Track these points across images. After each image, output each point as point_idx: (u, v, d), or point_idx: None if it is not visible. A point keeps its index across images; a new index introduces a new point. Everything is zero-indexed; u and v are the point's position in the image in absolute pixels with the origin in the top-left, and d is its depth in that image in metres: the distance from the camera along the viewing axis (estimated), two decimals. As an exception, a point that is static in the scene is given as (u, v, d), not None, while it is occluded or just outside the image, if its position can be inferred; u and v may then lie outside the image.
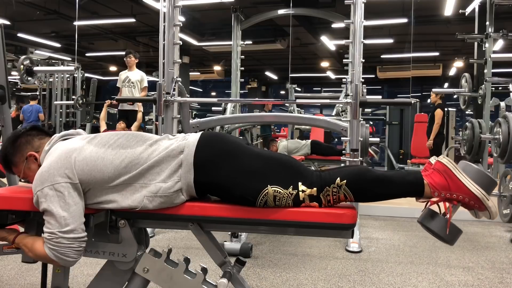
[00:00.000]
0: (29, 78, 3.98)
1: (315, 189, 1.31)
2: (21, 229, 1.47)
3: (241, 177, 1.31)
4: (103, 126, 6.10)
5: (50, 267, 1.52)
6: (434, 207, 1.36)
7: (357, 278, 2.45)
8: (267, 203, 1.31)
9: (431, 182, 1.32)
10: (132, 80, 5.62)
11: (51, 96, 7.68)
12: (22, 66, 3.88)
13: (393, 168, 7.30)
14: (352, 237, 1.56)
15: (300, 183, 1.31)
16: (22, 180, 1.51)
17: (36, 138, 1.48)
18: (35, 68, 3.92)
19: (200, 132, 1.42)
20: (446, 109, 7.22)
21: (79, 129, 1.63)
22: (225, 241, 2.81)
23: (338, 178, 1.31)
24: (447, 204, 1.32)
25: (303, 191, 1.31)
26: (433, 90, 6.74)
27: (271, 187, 1.30)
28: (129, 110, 5.85)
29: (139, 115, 5.66)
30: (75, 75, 7.60)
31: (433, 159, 1.38)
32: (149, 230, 2.69)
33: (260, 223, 1.35)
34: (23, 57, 4.07)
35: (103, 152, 1.35)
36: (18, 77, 8.82)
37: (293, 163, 1.38)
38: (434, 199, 1.33)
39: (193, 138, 1.38)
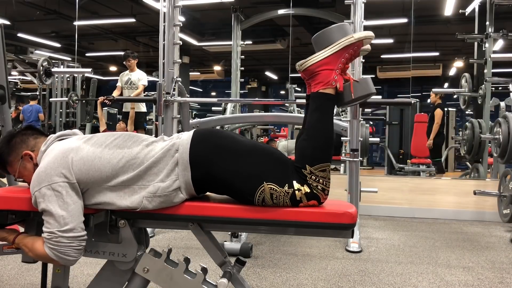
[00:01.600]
0: (47, 79, 4.16)
1: (305, 185, 1.31)
2: (21, 229, 1.47)
3: (237, 171, 1.32)
4: (102, 125, 6.09)
5: (50, 267, 1.52)
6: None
7: (357, 278, 2.45)
8: (265, 201, 1.31)
9: (321, 86, 1.35)
10: (134, 82, 5.61)
11: (51, 96, 7.68)
12: (41, 68, 4.07)
13: (393, 168, 7.30)
14: (352, 237, 1.56)
15: (294, 182, 1.31)
16: (18, 180, 1.51)
17: (31, 137, 1.48)
18: (54, 69, 4.09)
19: (193, 130, 1.43)
20: (446, 109, 7.21)
21: (77, 129, 1.62)
22: (225, 241, 2.81)
23: (303, 169, 1.31)
24: (344, 74, 1.37)
25: (298, 189, 1.31)
26: (433, 90, 6.75)
27: (267, 184, 1.30)
28: (136, 112, 5.83)
29: (132, 112, 5.62)
30: (75, 75, 7.60)
31: (297, 68, 1.40)
32: (149, 230, 2.69)
33: (260, 223, 1.35)
34: (42, 58, 4.31)
35: (100, 152, 1.35)
36: (19, 77, 8.81)
37: (284, 159, 1.38)
38: (338, 85, 1.35)
39: (187, 135, 1.39)
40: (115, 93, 5.61)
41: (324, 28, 1.37)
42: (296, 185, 1.31)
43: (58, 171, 1.31)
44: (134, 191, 1.33)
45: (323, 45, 1.36)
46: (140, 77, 5.61)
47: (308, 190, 1.31)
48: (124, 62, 5.70)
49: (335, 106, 1.42)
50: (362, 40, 1.35)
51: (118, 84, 5.74)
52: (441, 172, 6.80)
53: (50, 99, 7.58)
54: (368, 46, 1.40)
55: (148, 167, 1.33)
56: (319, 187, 1.31)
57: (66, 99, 7.22)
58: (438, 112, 6.69)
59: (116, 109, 8.89)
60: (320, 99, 1.36)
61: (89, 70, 5.06)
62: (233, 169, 1.32)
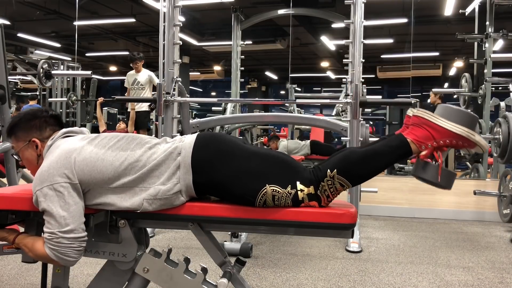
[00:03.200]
0: (47, 81, 4.18)
1: (312, 187, 1.31)
2: (21, 229, 1.47)
3: (239, 176, 1.31)
4: (102, 126, 6.09)
5: (50, 267, 1.52)
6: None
7: (357, 278, 2.45)
8: (267, 203, 1.31)
9: (414, 138, 1.32)
10: (142, 83, 5.60)
11: (51, 96, 7.68)
12: (41, 70, 4.07)
13: (393, 168, 7.30)
14: (352, 237, 1.56)
15: (298, 182, 1.31)
16: (14, 156, 1.51)
17: (49, 127, 1.49)
18: (53, 72, 4.11)
19: (196, 133, 1.43)
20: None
21: (85, 128, 1.63)
22: (225, 241, 2.81)
23: (328, 170, 1.31)
24: (438, 152, 1.33)
25: (301, 190, 1.31)
26: (433, 90, 6.74)
27: (270, 187, 1.30)
28: (137, 112, 5.81)
29: (132, 113, 5.61)
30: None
31: (409, 112, 1.38)
32: (149, 230, 2.69)
33: (260, 223, 1.35)
34: (42, 60, 4.29)
35: (103, 154, 1.35)
36: (19, 77, 8.82)
37: (289, 161, 1.38)
38: (424, 153, 1.32)
39: (190, 139, 1.38)
40: (127, 95, 5.65)
41: (462, 109, 1.35)
42: (299, 185, 1.31)
43: (60, 172, 1.31)
44: (135, 192, 1.34)
45: (448, 116, 1.32)
46: (148, 79, 5.61)
47: (313, 192, 1.31)
48: (131, 64, 5.71)
49: (394, 160, 1.38)
50: (475, 144, 1.31)
51: (126, 85, 5.74)
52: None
53: (49, 99, 7.58)
54: (472, 150, 1.37)
55: (150, 170, 1.33)
56: (326, 192, 1.31)
57: (65, 99, 7.22)
58: None
59: (116, 109, 8.89)
60: (401, 144, 1.33)
61: (89, 72, 5.07)
62: (235, 173, 1.32)
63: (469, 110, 1.37)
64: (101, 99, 6.15)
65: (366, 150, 1.35)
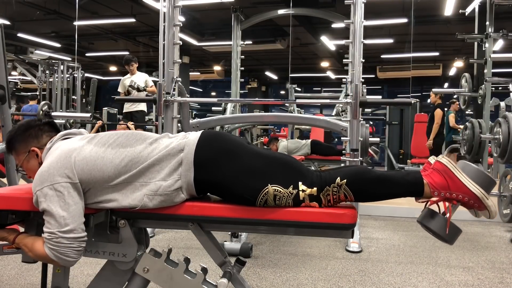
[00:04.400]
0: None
1: (315, 188, 1.31)
2: (21, 229, 1.47)
3: (241, 175, 1.31)
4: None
5: (50, 267, 1.52)
6: (434, 207, 1.37)
7: (357, 278, 2.45)
8: (267, 202, 1.31)
9: (431, 182, 1.32)
10: (139, 84, 5.61)
11: (51, 96, 7.68)
12: (41, 111, 4.31)
13: (393, 168, 7.30)
14: (352, 237, 1.56)
15: (300, 183, 1.31)
16: (19, 170, 1.52)
17: (45, 134, 1.49)
18: (53, 114, 4.34)
19: (201, 131, 1.43)
20: (445, 109, 7.22)
21: (83, 129, 1.63)
22: (225, 241, 2.81)
23: (338, 178, 1.31)
24: (447, 203, 1.33)
25: (303, 190, 1.31)
26: (433, 90, 6.75)
27: (272, 186, 1.30)
28: (133, 111, 5.83)
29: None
30: (75, 75, 7.60)
31: (432, 159, 1.39)
32: (149, 230, 2.69)
33: (260, 223, 1.35)
34: (42, 102, 4.54)
35: (103, 152, 1.35)
36: (19, 77, 8.78)
37: (293, 162, 1.38)
38: (434, 199, 1.33)
39: (194, 136, 1.38)
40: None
41: (481, 168, 1.36)
42: (301, 186, 1.31)
43: (60, 171, 1.31)
44: (136, 188, 1.33)
45: (468, 173, 1.34)
46: (144, 81, 5.64)
47: (315, 194, 1.31)
48: (126, 66, 5.70)
49: (405, 195, 1.38)
50: (486, 208, 1.31)
51: (120, 90, 5.74)
52: None
53: (53, 113, 7.55)
54: (480, 213, 1.36)
55: (151, 164, 1.33)
56: (329, 197, 1.32)
57: (63, 121, 7.23)
58: (438, 112, 6.70)
59: (116, 109, 8.89)
60: (416, 181, 1.33)
61: (88, 115, 4.98)
62: (238, 172, 1.32)
63: (489, 174, 1.38)
64: (99, 123, 6.21)
65: (381, 173, 1.37)
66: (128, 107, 5.88)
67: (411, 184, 1.34)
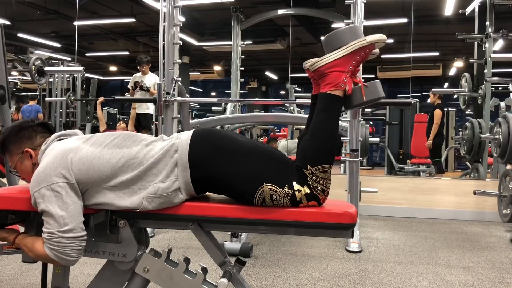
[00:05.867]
0: (40, 78, 4.06)
1: (305, 186, 1.31)
2: (21, 229, 1.47)
3: (237, 172, 1.31)
4: (102, 125, 6.07)
5: (50, 267, 1.52)
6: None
7: (357, 278, 2.45)
8: (265, 201, 1.30)
9: (330, 87, 1.35)
10: (146, 86, 5.60)
11: (51, 96, 7.68)
12: (33, 66, 3.95)
13: (393, 168, 7.30)
14: (352, 237, 1.56)
15: (294, 182, 1.31)
16: (13, 171, 1.52)
17: (39, 135, 1.49)
18: (46, 68, 4.01)
19: (193, 130, 1.42)
20: (445, 109, 7.21)
21: (78, 129, 1.63)
22: (225, 241, 2.81)
23: (304, 170, 1.31)
24: (356, 77, 1.37)
25: (298, 190, 1.30)
26: (433, 90, 6.74)
27: (267, 185, 1.30)
28: (141, 113, 5.80)
29: (133, 112, 5.56)
30: (75, 75, 7.60)
31: (306, 65, 1.41)
32: (149, 230, 2.69)
33: (260, 223, 1.35)
34: (34, 57, 4.11)
35: (99, 152, 1.35)
36: (19, 77, 8.78)
37: (286, 160, 1.38)
38: (347, 87, 1.34)
39: (186, 136, 1.38)
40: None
41: (335, 30, 1.38)
42: (296, 186, 1.31)
43: (57, 172, 1.30)
44: (134, 191, 1.33)
45: (334, 46, 1.36)
46: (154, 82, 5.62)
47: (308, 191, 1.31)
48: (138, 67, 5.71)
49: (342, 108, 1.42)
50: (374, 43, 1.34)
51: (130, 86, 5.74)
52: (441, 172, 6.80)
53: (48, 99, 7.56)
54: (377, 50, 1.39)
55: (148, 168, 1.33)
56: (319, 187, 1.31)
57: (64, 99, 7.22)
58: (438, 113, 6.69)
59: (116, 109, 8.90)
60: (328, 100, 1.35)
61: (81, 68, 5.00)
62: (233, 170, 1.32)
63: (344, 27, 1.39)
64: (101, 99, 6.14)
65: (311, 130, 1.36)
66: (137, 108, 5.85)
67: (330, 106, 1.35)
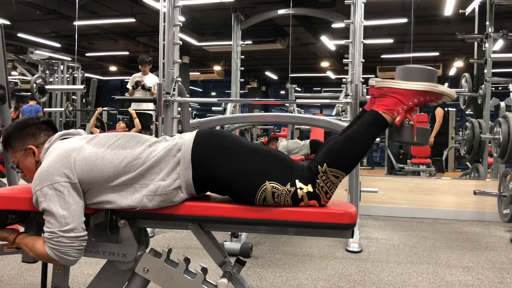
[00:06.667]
0: (41, 96, 4.18)
1: (310, 185, 1.31)
2: (21, 229, 1.47)
3: (239, 172, 1.32)
4: (95, 132, 6.05)
5: (50, 267, 1.52)
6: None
7: (357, 278, 2.45)
8: (266, 200, 1.31)
9: (384, 109, 1.36)
10: (148, 86, 5.61)
11: (51, 96, 7.68)
12: (34, 85, 4.09)
13: (393, 168, 7.30)
14: (352, 237, 1.56)
15: (297, 180, 1.31)
16: (14, 168, 1.52)
17: (43, 133, 1.49)
18: (47, 87, 4.12)
19: (196, 130, 1.43)
20: (446, 109, 7.20)
21: (81, 129, 1.63)
22: (225, 241, 2.81)
23: (319, 166, 1.32)
24: (411, 114, 1.37)
25: (300, 188, 1.31)
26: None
27: (269, 183, 1.30)
28: (141, 113, 5.80)
29: (136, 121, 5.56)
30: (75, 75, 7.61)
31: (372, 82, 1.41)
32: (149, 230, 2.69)
33: (260, 223, 1.35)
34: (35, 76, 4.26)
35: (103, 152, 1.35)
36: (19, 77, 8.78)
37: (288, 160, 1.39)
38: (398, 118, 1.36)
39: (189, 136, 1.39)
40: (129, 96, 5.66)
41: (415, 65, 1.39)
42: (298, 184, 1.31)
43: (60, 171, 1.31)
44: (135, 189, 1.34)
45: (406, 77, 1.37)
46: (154, 82, 5.62)
47: (311, 190, 1.31)
48: (140, 67, 5.72)
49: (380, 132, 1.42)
50: (442, 95, 1.35)
51: (129, 86, 5.74)
52: (441, 171, 6.80)
53: (45, 109, 7.55)
54: (440, 101, 1.40)
55: (150, 167, 1.34)
56: (324, 188, 1.32)
57: (62, 109, 7.25)
58: (439, 111, 6.68)
59: (116, 110, 8.89)
60: (375, 118, 1.37)
61: (81, 87, 5.18)
62: (235, 169, 1.32)
63: (425, 66, 1.40)
64: (99, 109, 6.18)
65: (346, 135, 1.38)
66: (135, 107, 5.85)
67: (373, 123, 1.36)
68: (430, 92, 1.34)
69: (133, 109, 5.80)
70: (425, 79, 1.35)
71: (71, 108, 7.06)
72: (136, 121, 5.48)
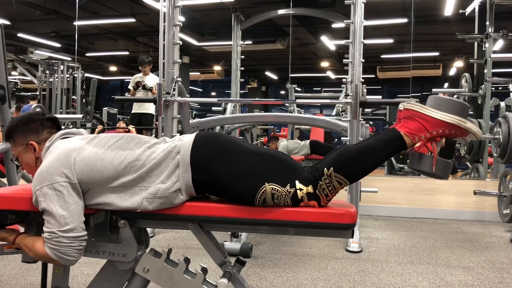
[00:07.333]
0: None
1: (310, 186, 1.31)
2: (21, 229, 1.47)
3: (238, 175, 1.32)
4: None
5: (50, 267, 1.52)
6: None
7: (357, 278, 2.45)
8: (266, 201, 1.31)
9: (407, 131, 1.34)
10: (149, 86, 5.61)
11: (51, 96, 7.68)
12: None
13: (393, 168, 7.30)
14: (352, 237, 1.56)
15: (297, 181, 1.31)
16: (14, 161, 1.52)
17: (46, 130, 1.49)
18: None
19: (195, 133, 1.43)
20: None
21: (83, 129, 1.63)
22: (225, 241, 2.81)
23: (325, 168, 1.31)
24: (432, 143, 1.34)
25: (300, 189, 1.31)
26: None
27: (269, 185, 1.30)
28: (142, 113, 5.80)
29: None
30: (75, 75, 7.60)
31: (401, 106, 1.40)
32: (149, 230, 2.69)
33: (260, 223, 1.35)
34: (34, 105, 4.41)
35: (102, 153, 1.35)
36: (19, 77, 8.78)
37: (288, 160, 1.38)
38: (418, 145, 1.34)
39: (189, 138, 1.39)
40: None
41: (449, 97, 1.37)
42: (298, 184, 1.31)
43: (60, 171, 1.31)
44: (135, 192, 1.34)
45: (437, 106, 1.35)
46: (155, 83, 5.63)
47: (311, 191, 1.31)
48: (140, 67, 5.73)
49: (394, 154, 1.41)
50: (468, 132, 1.33)
51: (130, 87, 5.75)
52: (454, 172, 6.74)
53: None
54: (467, 138, 1.38)
55: (150, 169, 1.34)
56: (325, 191, 1.32)
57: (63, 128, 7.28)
58: None
59: (116, 109, 8.90)
60: (395, 137, 1.35)
61: (80, 116, 5.30)
62: (234, 172, 1.32)
63: (459, 99, 1.39)
64: (100, 127, 6.21)
65: (360, 146, 1.37)
66: (136, 109, 5.85)
67: (391, 142, 1.35)
68: (457, 126, 1.31)
69: (135, 111, 5.81)
70: (456, 113, 1.32)
71: (71, 126, 7.09)
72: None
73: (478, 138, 1.34)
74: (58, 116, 5.41)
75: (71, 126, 6.85)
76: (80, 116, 5.33)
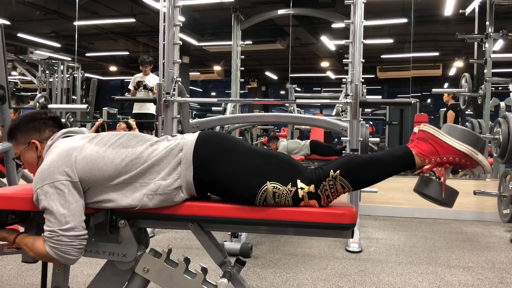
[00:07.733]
0: None
1: (312, 185, 1.31)
2: (21, 229, 1.47)
3: (240, 173, 1.32)
4: None
5: (50, 266, 1.52)
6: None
7: (357, 278, 2.45)
8: (267, 200, 1.31)
9: (419, 152, 1.35)
10: (150, 86, 5.61)
11: (51, 96, 7.68)
12: (37, 104, 4.19)
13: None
14: (352, 237, 1.56)
15: (298, 180, 1.32)
16: (16, 159, 1.52)
17: (48, 129, 1.50)
18: (50, 106, 4.27)
19: (198, 131, 1.44)
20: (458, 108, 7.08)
21: (84, 128, 1.63)
22: (225, 241, 2.81)
23: (331, 170, 1.32)
24: (440, 168, 1.35)
25: (302, 188, 1.31)
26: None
27: (270, 184, 1.30)
28: (143, 113, 5.79)
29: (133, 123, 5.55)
30: (75, 75, 7.61)
31: (416, 129, 1.41)
32: (149, 230, 2.69)
33: (260, 223, 1.35)
34: (39, 95, 4.38)
35: (104, 151, 1.35)
36: (19, 77, 8.78)
37: (290, 160, 1.39)
38: (427, 167, 1.35)
39: (192, 136, 1.40)
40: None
41: (466, 128, 1.39)
42: (300, 184, 1.31)
43: (61, 170, 1.31)
44: (136, 188, 1.34)
45: (453, 134, 1.36)
46: (155, 83, 5.63)
47: (313, 190, 1.31)
48: (140, 67, 5.73)
49: (398, 171, 1.41)
50: (478, 164, 1.34)
51: (130, 87, 5.75)
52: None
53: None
54: (474, 170, 1.39)
55: (151, 165, 1.34)
56: (327, 192, 1.32)
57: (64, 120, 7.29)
58: (450, 114, 6.62)
59: (116, 109, 8.89)
60: (406, 155, 1.36)
61: (85, 106, 5.30)
62: (236, 171, 1.32)
63: (474, 132, 1.40)
64: (100, 121, 6.19)
65: (371, 156, 1.39)
66: (138, 109, 5.85)
67: (401, 158, 1.36)
68: (469, 156, 1.33)
69: (136, 112, 5.80)
70: (470, 143, 1.34)
71: (72, 119, 7.09)
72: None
73: (486, 172, 1.36)
74: (63, 106, 5.44)
75: (71, 120, 6.86)
76: (85, 106, 5.32)
